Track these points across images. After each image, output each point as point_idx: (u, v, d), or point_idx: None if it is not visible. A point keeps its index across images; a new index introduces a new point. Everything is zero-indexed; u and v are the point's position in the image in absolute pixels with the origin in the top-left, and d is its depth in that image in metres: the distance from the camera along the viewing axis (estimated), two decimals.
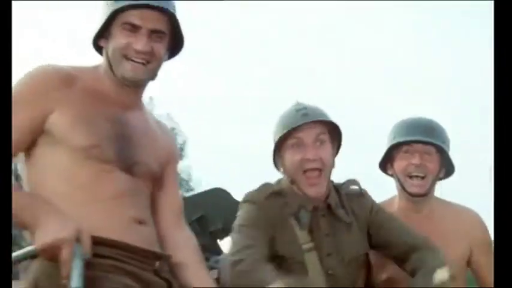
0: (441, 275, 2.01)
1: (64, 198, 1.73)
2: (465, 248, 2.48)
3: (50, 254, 1.60)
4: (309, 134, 2.16)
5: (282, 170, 2.24)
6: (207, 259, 2.70)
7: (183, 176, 22.82)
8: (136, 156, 1.83)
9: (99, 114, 1.79)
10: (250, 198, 2.21)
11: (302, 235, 2.16)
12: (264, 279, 1.89)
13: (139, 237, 1.78)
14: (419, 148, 2.45)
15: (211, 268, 2.56)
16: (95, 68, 1.88)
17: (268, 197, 2.20)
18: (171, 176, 1.98)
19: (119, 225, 1.76)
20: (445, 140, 2.50)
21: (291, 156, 2.17)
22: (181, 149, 23.00)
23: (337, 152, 2.26)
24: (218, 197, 4.09)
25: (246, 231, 2.12)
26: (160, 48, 1.84)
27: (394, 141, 2.48)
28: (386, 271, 2.37)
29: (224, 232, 3.84)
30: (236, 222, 2.17)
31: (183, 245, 1.93)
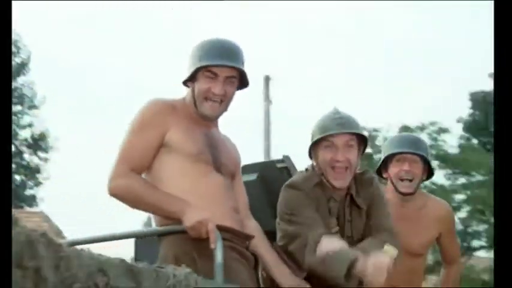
0: (390, 248, 2.45)
1: (183, 192, 2.37)
2: (437, 230, 3.35)
3: (197, 231, 2.27)
4: (341, 139, 2.69)
5: (315, 162, 2.77)
6: None
7: (26, 92, 21.92)
8: (222, 160, 2.53)
9: (196, 131, 2.49)
10: (297, 186, 2.69)
11: (331, 221, 2.70)
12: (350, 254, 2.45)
13: (237, 223, 2.46)
14: (409, 157, 3.26)
15: None
16: (184, 99, 2.58)
17: (315, 186, 2.70)
18: (238, 176, 2.64)
19: (226, 214, 2.41)
20: (427, 151, 3.36)
21: (323, 155, 2.70)
22: (25, 65, 21.83)
23: (362, 153, 2.81)
24: None
25: (304, 213, 2.62)
26: (232, 90, 2.53)
27: (389, 152, 3.28)
28: None
29: None
30: (283, 210, 2.68)
31: (254, 231, 2.57)
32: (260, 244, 2.57)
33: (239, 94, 2.58)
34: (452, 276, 3.53)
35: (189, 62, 2.54)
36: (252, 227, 2.60)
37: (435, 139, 16.79)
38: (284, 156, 3.36)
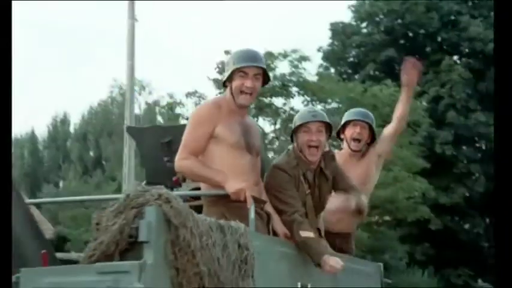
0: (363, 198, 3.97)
1: (229, 171, 3.41)
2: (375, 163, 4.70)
3: (237, 195, 3.33)
4: (314, 125, 3.82)
5: (295, 143, 3.86)
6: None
7: None
8: (253, 143, 3.58)
9: (235, 123, 3.53)
10: (282, 168, 3.74)
11: (305, 186, 3.79)
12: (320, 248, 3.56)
13: (257, 193, 3.54)
14: (360, 124, 4.57)
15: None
16: (224, 96, 3.63)
17: (293, 168, 3.75)
18: (260, 153, 3.72)
19: (250, 186, 3.40)
20: (373, 120, 4.69)
21: (302, 137, 3.82)
22: None
23: (328, 137, 3.91)
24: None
25: (287, 192, 3.66)
26: (258, 84, 3.62)
27: (346, 119, 4.64)
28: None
29: None
30: (273, 186, 3.69)
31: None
32: (269, 207, 3.64)
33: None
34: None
35: (226, 68, 3.65)
36: (255, 188, 3.62)
37: (296, 66, 17.28)
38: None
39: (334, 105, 17.88)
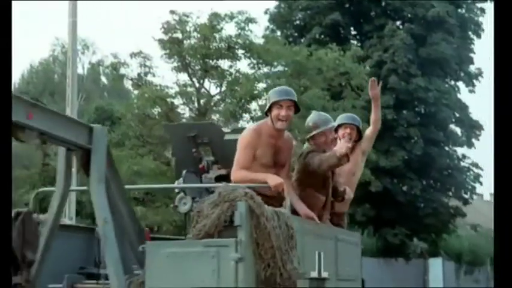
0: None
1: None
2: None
3: (277, 188, 4.49)
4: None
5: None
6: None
7: None
8: (279, 160, 4.83)
9: (269, 146, 4.75)
10: (313, 149, 5.10)
11: None
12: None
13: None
14: (349, 126, 5.79)
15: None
16: (265, 122, 4.86)
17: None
18: (286, 164, 4.95)
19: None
20: (360, 123, 5.89)
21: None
22: None
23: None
24: (209, 128, 6.00)
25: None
26: (291, 113, 4.80)
27: (339, 122, 5.75)
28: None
29: (215, 163, 5.65)
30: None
31: (288, 186, 4.71)
32: (288, 192, 4.62)
33: None
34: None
35: (267, 101, 4.91)
36: (287, 183, 4.77)
37: (243, 28, 17.21)
38: None
39: (279, 68, 17.99)
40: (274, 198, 4.41)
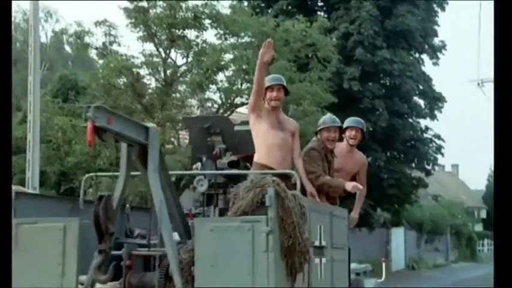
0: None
1: (265, 146, 6.13)
2: (357, 168, 7.23)
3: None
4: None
5: (319, 137, 6.56)
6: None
7: None
8: (283, 126, 6.14)
9: (273, 116, 6.18)
10: (316, 149, 6.49)
11: (324, 164, 6.46)
12: (341, 182, 6.48)
13: (285, 167, 5.95)
14: (355, 128, 7.13)
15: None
16: (265, 107, 6.20)
17: (321, 150, 6.48)
18: (296, 135, 6.20)
19: (279, 161, 6.03)
20: (364, 125, 7.28)
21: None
22: None
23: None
24: (221, 120, 6.94)
25: (317, 162, 6.37)
26: (281, 95, 6.18)
27: (347, 125, 7.09)
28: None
29: (226, 150, 6.39)
30: (310, 157, 6.38)
31: (298, 167, 6.10)
32: (299, 174, 5.79)
33: None
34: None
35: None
36: (297, 164, 6.12)
37: None
38: None
39: (246, 39, 17.90)
40: (288, 180, 5.41)
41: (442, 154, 28.66)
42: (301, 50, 18.50)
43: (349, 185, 6.33)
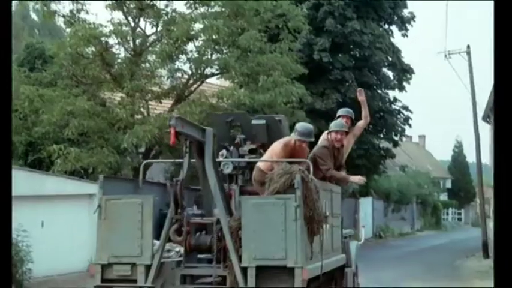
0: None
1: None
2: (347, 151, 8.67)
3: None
4: (340, 132, 8.16)
5: (329, 137, 8.06)
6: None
7: None
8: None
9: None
10: (325, 146, 7.91)
11: (332, 159, 7.96)
12: (344, 176, 8.07)
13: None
14: (346, 116, 8.46)
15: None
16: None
17: (329, 147, 7.93)
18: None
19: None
20: (352, 114, 8.59)
21: (332, 136, 8.05)
22: None
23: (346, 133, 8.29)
24: (241, 116, 8.11)
25: (327, 158, 7.80)
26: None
27: (339, 114, 8.51)
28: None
29: (245, 140, 7.74)
30: (320, 154, 7.80)
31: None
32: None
33: None
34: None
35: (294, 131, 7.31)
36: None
37: None
38: (281, 116, 8.35)
39: (217, 8, 17.75)
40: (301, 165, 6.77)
41: (410, 125, 29.08)
42: (271, 21, 18.43)
43: (355, 178, 8.10)
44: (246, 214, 6.22)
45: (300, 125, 7.27)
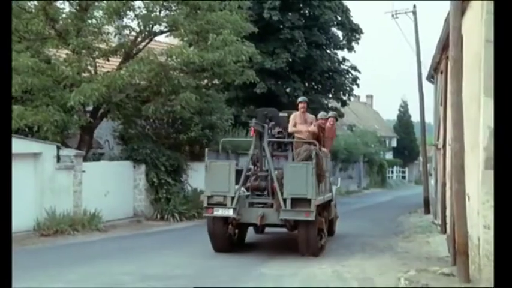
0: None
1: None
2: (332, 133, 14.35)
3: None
4: (329, 121, 14.22)
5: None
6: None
7: None
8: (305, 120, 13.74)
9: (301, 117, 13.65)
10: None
11: None
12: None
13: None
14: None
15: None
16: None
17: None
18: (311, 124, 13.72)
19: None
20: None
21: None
22: None
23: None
24: (273, 111, 13.18)
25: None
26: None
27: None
28: None
29: (274, 126, 12.97)
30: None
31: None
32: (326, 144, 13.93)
33: None
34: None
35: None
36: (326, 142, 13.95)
37: None
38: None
39: None
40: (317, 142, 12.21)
41: (358, 85, 29.45)
42: None
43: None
44: (286, 171, 11.38)
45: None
